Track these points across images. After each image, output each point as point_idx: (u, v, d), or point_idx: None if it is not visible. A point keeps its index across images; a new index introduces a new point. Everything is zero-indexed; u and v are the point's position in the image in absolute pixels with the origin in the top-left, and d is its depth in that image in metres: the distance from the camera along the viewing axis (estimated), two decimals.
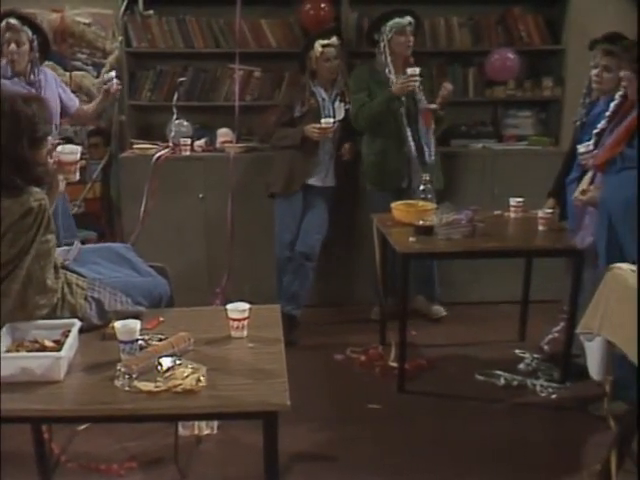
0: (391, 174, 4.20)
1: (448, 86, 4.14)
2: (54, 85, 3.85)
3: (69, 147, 2.54)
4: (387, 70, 4.09)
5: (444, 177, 4.36)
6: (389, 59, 4.10)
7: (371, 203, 4.23)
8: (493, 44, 4.73)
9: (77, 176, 2.54)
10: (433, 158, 4.20)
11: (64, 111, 3.92)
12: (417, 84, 4.02)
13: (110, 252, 2.67)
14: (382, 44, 4.11)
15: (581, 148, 3.43)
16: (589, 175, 3.34)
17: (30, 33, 3.64)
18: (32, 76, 3.66)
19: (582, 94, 3.66)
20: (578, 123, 3.66)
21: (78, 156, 2.54)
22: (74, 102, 3.98)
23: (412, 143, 4.13)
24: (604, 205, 3.11)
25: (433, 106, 4.14)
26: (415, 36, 4.17)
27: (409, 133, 4.12)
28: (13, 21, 3.60)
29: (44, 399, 1.89)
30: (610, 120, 3.40)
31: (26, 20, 3.66)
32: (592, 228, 3.28)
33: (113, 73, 3.95)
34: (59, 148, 2.47)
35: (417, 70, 3.99)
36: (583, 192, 3.28)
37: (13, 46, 3.58)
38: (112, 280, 2.46)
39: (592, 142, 3.40)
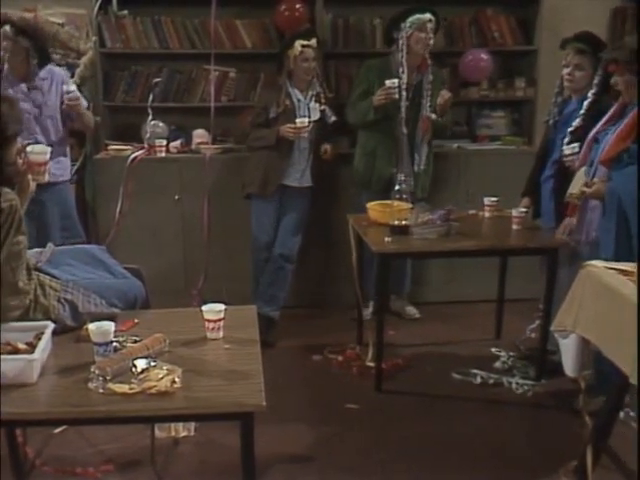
0: (380, 175, 4.21)
1: (445, 94, 4.13)
2: (60, 86, 3.91)
3: (39, 147, 2.51)
4: (400, 70, 4.07)
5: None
6: (404, 58, 4.08)
7: (357, 204, 4.18)
8: (466, 45, 4.77)
9: (46, 177, 2.51)
10: (422, 167, 4.21)
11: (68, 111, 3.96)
12: (396, 95, 4.01)
13: (84, 254, 2.65)
14: (400, 41, 4.09)
15: (566, 150, 3.45)
16: (582, 171, 3.35)
17: (27, 42, 3.72)
18: (33, 82, 3.77)
19: (554, 93, 3.69)
20: (551, 122, 3.70)
21: (48, 156, 2.51)
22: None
23: (406, 147, 4.14)
24: (613, 197, 3.08)
25: (433, 116, 4.15)
26: (435, 34, 4.18)
27: (405, 137, 4.13)
28: (7, 29, 3.68)
29: (17, 402, 1.87)
30: (585, 119, 3.44)
31: (21, 28, 3.73)
32: (595, 223, 3.29)
33: (73, 87, 3.90)
34: (29, 148, 2.44)
35: (395, 82, 3.98)
36: (587, 185, 3.23)
37: (6, 55, 3.70)
38: (86, 282, 2.44)
39: (577, 144, 3.43)
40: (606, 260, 3.05)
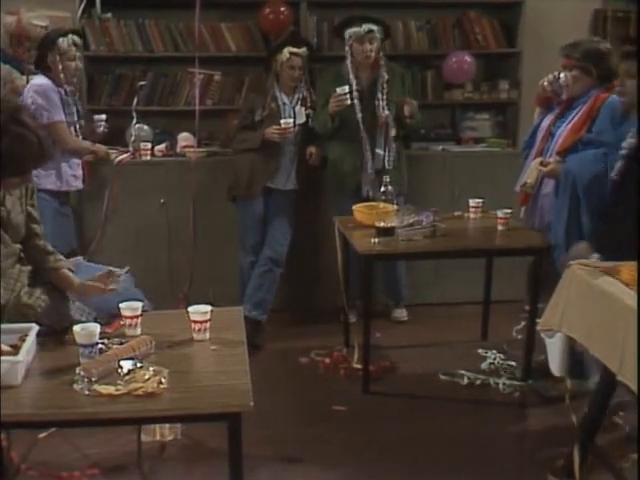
0: (347, 180, 4.23)
1: (407, 108, 4.09)
2: None
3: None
4: (351, 77, 4.09)
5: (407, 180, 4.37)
6: (350, 66, 4.10)
7: (333, 206, 4.26)
8: (450, 47, 4.79)
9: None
10: (391, 164, 4.20)
11: None
12: (348, 101, 4.01)
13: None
14: (346, 49, 4.12)
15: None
16: (536, 161, 3.41)
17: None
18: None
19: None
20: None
21: None
22: None
23: (368, 152, 4.15)
24: (568, 177, 3.18)
25: (386, 112, 4.11)
26: (383, 41, 4.19)
27: (366, 141, 4.13)
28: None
29: (1, 404, 1.85)
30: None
31: None
32: (547, 208, 3.39)
33: (103, 116, 4.07)
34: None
35: (346, 89, 4.00)
36: (543, 164, 3.33)
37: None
38: None
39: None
40: (555, 239, 3.17)
